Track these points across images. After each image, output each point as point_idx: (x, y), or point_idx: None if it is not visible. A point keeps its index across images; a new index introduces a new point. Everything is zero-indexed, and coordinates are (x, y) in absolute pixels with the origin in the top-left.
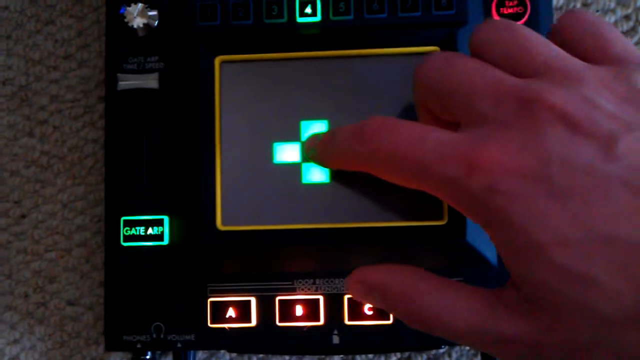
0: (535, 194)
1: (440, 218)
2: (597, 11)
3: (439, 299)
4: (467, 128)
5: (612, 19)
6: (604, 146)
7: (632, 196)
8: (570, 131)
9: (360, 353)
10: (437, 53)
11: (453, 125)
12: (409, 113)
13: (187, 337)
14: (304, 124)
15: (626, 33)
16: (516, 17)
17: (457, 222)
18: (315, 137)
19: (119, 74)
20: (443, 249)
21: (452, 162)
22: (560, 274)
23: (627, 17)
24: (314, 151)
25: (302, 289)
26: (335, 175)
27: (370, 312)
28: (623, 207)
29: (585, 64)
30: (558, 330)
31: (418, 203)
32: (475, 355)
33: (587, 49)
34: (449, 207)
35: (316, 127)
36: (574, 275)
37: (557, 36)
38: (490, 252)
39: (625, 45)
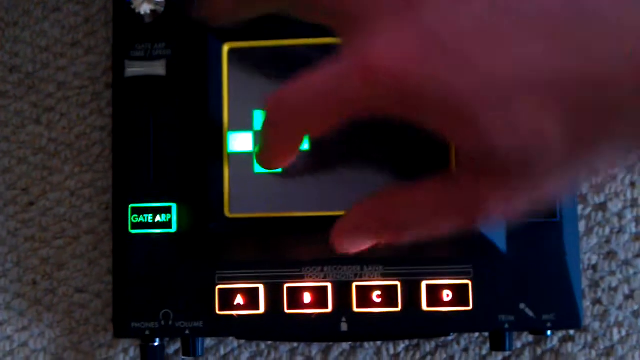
0: (436, 66)
1: None
2: None
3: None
4: (349, 33)
5: None
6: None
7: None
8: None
9: (368, 340)
10: None
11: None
12: None
13: (196, 324)
14: None
15: None
16: None
17: None
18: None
19: (126, 61)
20: (452, 236)
21: (351, 88)
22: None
23: None
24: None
25: (311, 277)
26: (344, 163)
27: (379, 300)
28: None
29: None
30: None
31: None
32: (483, 342)
33: None
34: None
35: None
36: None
37: None
38: (499, 240)
39: None
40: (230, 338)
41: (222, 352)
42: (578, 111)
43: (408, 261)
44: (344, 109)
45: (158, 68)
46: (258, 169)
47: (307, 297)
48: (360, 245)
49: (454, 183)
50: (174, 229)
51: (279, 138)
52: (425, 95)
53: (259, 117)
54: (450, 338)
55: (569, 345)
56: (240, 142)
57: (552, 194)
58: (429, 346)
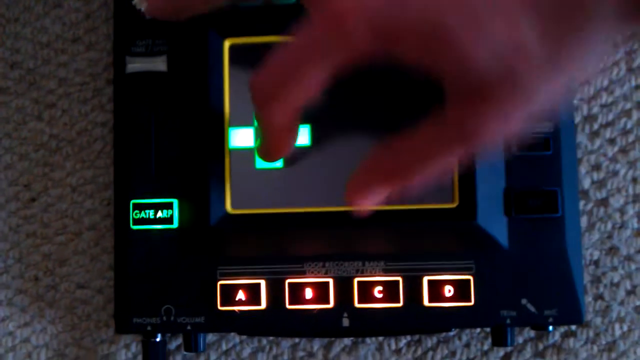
0: None
1: (450, 200)
2: None
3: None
4: None
5: None
6: None
7: None
8: None
9: (370, 336)
10: None
11: None
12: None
13: (197, 320)
14: (313, 105)
15: None
16: None
17: (468, 204)
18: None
19: (127, 57)
20: (454, 231)
21: (328, 42)
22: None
23: None
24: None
25: (312, 272)
26: (346, 158)
27: (380, 295)
28: None
29: None
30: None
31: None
32: (485, 338)
33: None
34: (460, 190)
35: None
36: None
37: None
38: (501, 235)
39: None
40: (232, 334)
41: (224, 347)
42: (550, 15)
43: (409, 257)
44: (328, 65)
45: (159, 64)
46: (260, 164)
47: (308, 293)
48: (373, 198)
49: (447, 117)
50: (175, 224)
51: (273, 117)
52: (400, 26)
53: None
54: (451, 333)
55: (571, 340)
56: (241, 138)
57: (545, 104)
58: (430, 342)
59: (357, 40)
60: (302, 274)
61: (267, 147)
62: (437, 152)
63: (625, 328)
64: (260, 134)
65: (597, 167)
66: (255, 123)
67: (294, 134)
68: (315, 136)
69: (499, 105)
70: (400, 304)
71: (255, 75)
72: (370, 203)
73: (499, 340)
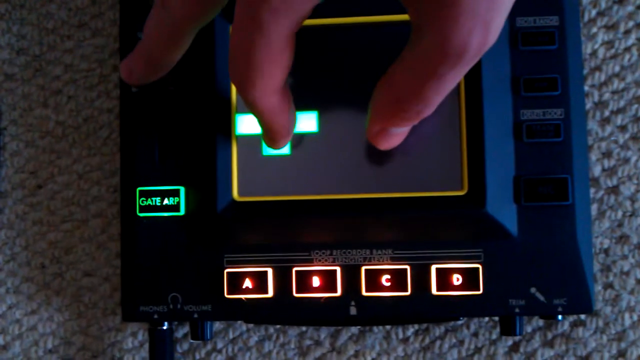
0: None
1: (459, 188)
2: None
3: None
4: None
5: (630, 8)
6: None
7: None
8: None
9: (377, 324)
10: None
11: None
12: None
13: (204, 308)
14: (321, 92)
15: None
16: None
17: (477, 192)
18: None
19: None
20: (463, 219)
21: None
22: None
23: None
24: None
25: (319, 260)
26: (353, 145)
27: (388, 284)
28: None
29: None
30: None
31: (437, 173)
32: (493, 327)
33: None
34: (469, 177)
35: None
36: None
37: None
38: (510, 223)
39: None
40: (239, 322)
41: (231, 335)
42: None
43: (418, 245)
44: (276, 27)
45: None
46: (266, 151)
47: (315, 281)
48: (395, 137)
49: (427, 40)
50: (182, 212)
51: (257, 102)
52: None
53: None
54: (460, 322)
55: (580, 329)
56: (248, 124)
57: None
58: (438, 330)
59: None
60: (310, 262)
61: (265, 133)
62: (427, 78)
63: (635, 317)
64: (258, 121)
65: (608, 154)
66: None
67: (286, 117)
68: (322, 123)
69: (477, 15)
70: (408, 293)
71: (229, 69)
72: (396, 142)
73: (508, 329)
